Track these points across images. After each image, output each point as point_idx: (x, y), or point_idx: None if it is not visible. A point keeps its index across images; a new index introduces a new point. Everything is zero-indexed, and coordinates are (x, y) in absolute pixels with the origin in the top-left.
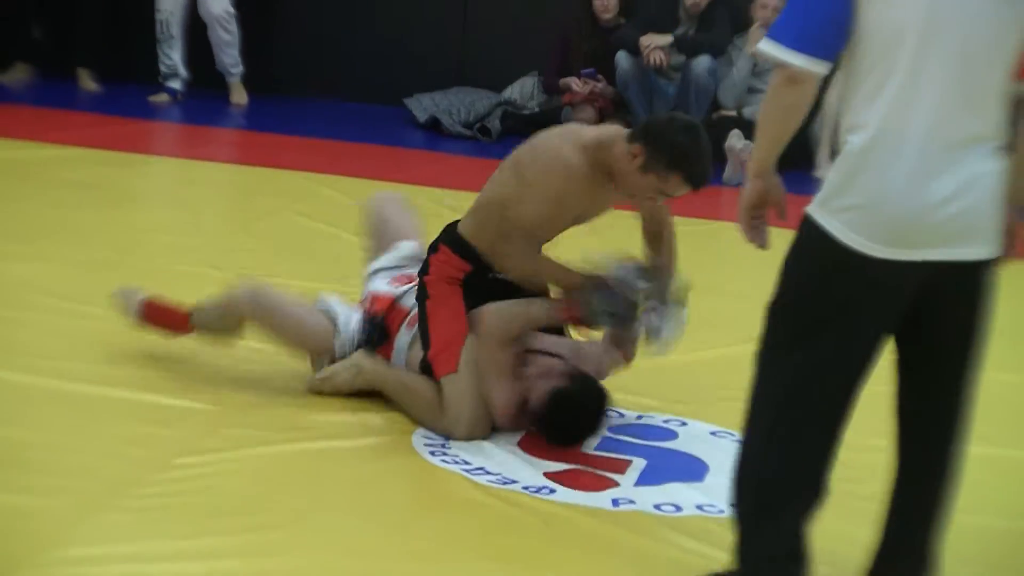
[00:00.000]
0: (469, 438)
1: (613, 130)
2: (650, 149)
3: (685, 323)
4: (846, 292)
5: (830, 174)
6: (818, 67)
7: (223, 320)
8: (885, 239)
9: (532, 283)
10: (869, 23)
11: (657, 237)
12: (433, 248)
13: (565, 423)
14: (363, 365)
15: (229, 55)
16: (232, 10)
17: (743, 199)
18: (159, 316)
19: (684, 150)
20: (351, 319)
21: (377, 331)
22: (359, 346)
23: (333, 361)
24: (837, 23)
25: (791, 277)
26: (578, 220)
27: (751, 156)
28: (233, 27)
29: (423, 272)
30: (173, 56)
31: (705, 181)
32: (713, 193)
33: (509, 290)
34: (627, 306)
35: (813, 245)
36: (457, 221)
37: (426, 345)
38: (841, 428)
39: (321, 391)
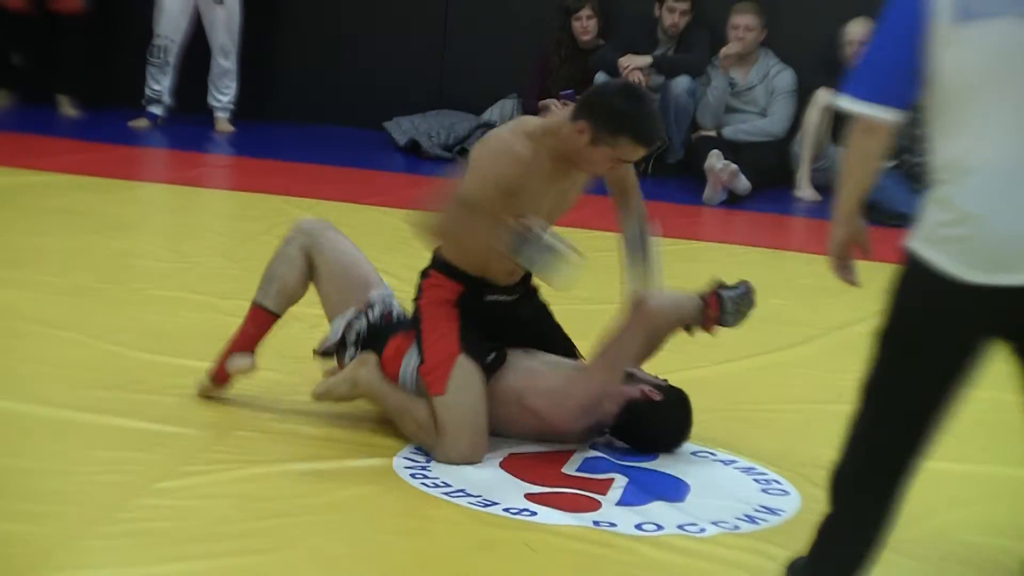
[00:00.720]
0: (463, 462)
1: (558, 115)
2: (593, 121)
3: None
4: (945, 318)
5: (928, 210)
6: (890, 115)
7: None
8: (985, 266)
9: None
10: (945, 63)
11: (625, 201)
12: (424, 274)
13: (673, 427)
14: (359, 378)
15: (225, 85)
16: (236, 40)
17: (831, 244)
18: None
19: (625, 112)
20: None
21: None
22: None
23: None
24: (908, 70)
25: (896, 307)
26: (553, 212)
27: (835, 202)
28: (233, 58)
29: (416, 298)
30: (162, 83)
31: (655, 137)
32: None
33: (504, 312)
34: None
35: (916, 276)
36: (440, 246)
37: (420, 360)
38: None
39: (322, 400)
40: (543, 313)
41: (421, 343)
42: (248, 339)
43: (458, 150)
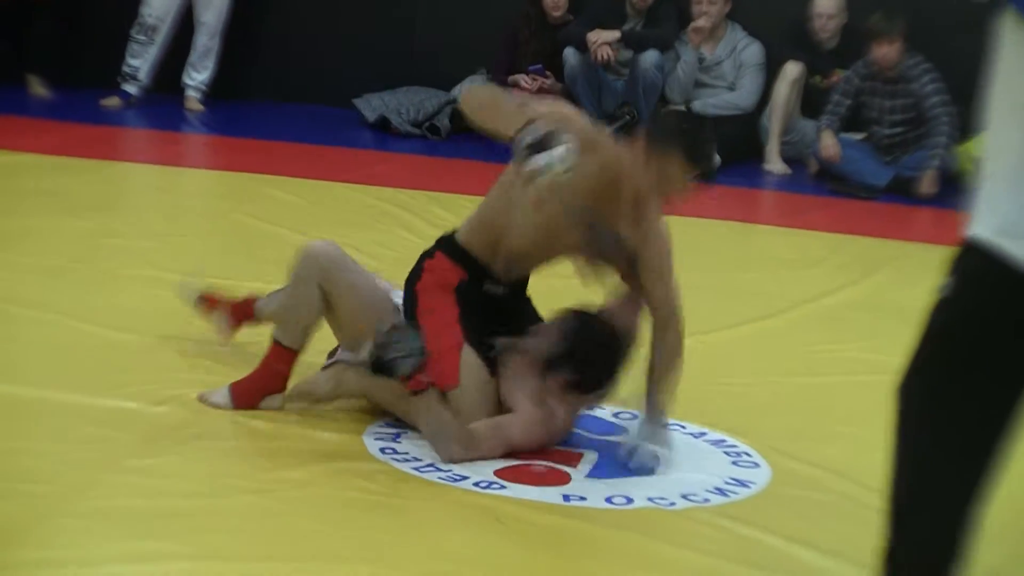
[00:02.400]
0: (478, 458)
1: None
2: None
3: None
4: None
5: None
6: None
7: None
8: None
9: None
10: None
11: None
12: (428, 254)
13: (597, 351)
14: (345, 379)
15: (204, 65)
16: (222, 20)
17: None
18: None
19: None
20: None
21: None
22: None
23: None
24: None
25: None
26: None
27: None
28: (217, 39)
29: (414, 279)
30: (140, 60)
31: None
32: None
33: (495, 304)
34: None
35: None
36: (455, 231)
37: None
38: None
39: (299, 401)
40: (529, 307)
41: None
42: (278, 378)
43: (427, 126)
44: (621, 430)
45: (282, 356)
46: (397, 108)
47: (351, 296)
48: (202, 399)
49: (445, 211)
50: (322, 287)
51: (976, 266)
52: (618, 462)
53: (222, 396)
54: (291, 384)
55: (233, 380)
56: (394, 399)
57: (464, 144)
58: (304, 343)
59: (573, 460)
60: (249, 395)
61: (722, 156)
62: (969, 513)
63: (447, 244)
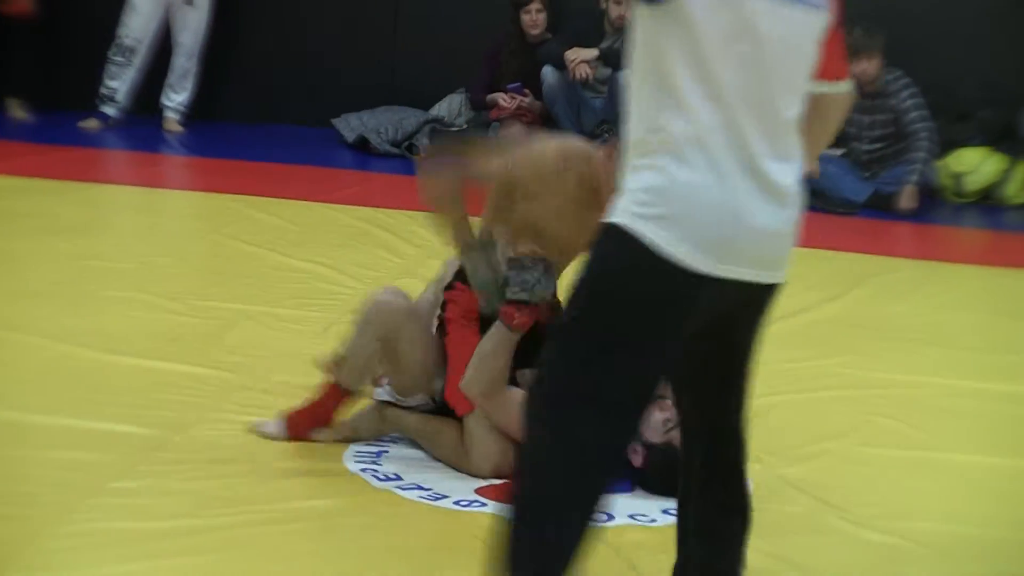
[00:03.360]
0: (495, 476)
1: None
2: None
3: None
4: None
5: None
6: None
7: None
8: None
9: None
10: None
11: None
12: (449, 286)
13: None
14: (384, 412)
15: (183, 86)
16: (200, 42)
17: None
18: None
19: None
20: None
21: None
22: None
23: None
24: None
25: None
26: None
27: None
28: (195, 60)
29: (441, 312)
30: (118, 82)
31: None
32: None
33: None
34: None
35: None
36: None
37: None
38: None
39: (349, 438)
40: (540, 328)
41: (444, 362)
42: (328, 413)
43: (406, 146)
44: None
45: (335, 395)
46: (376, 128)
47: (410, 349)
48: (255, 428)
49: (425, 230)
50: (383, 339)
51: (610, 247)
52: None
53: (276, 427)
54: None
55: (217, 405)
56: (434, 437)
57: None
58: (359, 387)
59: None
60: (301, 427)
61: None
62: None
63: (462, 273)
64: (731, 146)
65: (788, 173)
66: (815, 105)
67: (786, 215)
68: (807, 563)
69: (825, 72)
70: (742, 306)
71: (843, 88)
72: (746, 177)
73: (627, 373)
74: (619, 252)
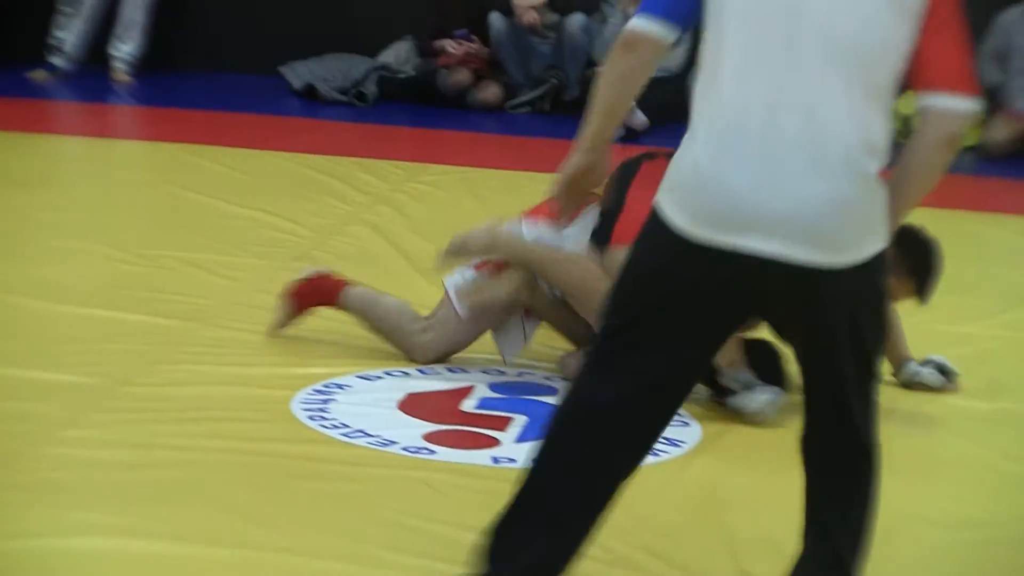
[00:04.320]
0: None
1: None
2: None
3: None
4: None
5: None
6: (655, 27)
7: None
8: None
9: None
10: None
11: None
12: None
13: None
14: (499, 237)
15: (130, 36)
16: None
17: (563, 168)
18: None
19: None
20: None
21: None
22: None
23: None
24: None
25: None
26: None
27: (582, 129)
28: (142, 11)
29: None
30: (66, 32)
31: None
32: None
33: None
34: None
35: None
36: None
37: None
38: None
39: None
40: None
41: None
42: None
43: (354, 93)
44: (551, 391)
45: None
46: (323, 75)
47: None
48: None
49: (373, 177)
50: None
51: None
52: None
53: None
54: None
55: (165, 354)
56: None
57: (390, 110)
58: None
59: (502, 424)
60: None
61: (650, 117)
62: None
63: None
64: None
65: (822, 145)
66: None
67: (817, 188)
68: (767, 502)
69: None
70: (787, 288)
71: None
72: (752, 148)
73: (629, 339)
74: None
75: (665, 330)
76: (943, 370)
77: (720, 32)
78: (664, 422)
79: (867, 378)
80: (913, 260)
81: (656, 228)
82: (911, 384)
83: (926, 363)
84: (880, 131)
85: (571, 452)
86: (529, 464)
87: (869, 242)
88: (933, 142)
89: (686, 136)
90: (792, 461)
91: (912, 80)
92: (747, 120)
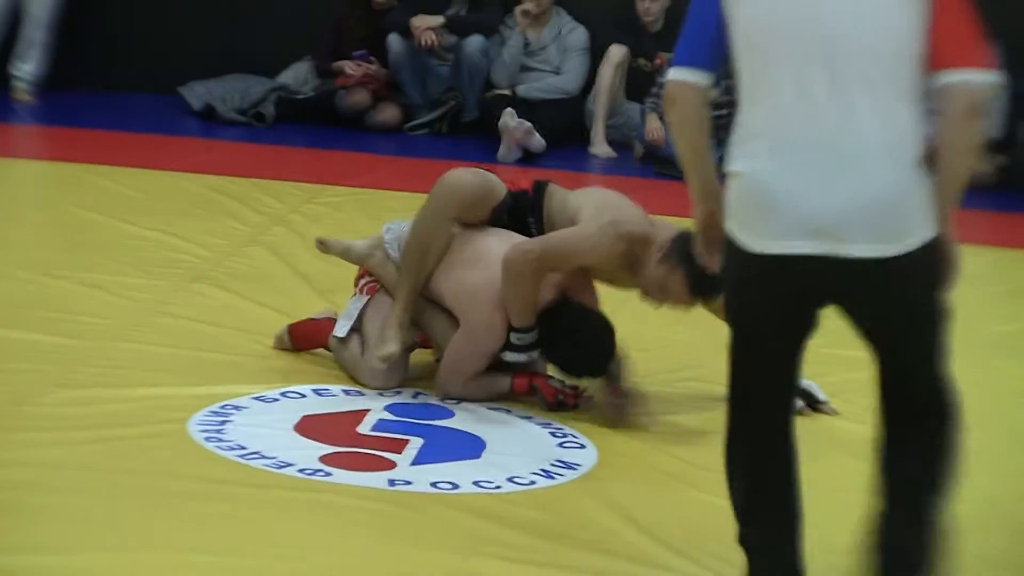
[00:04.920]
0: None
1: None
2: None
3: None
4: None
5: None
6: (686, 77)
7: None
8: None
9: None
10: (739, 20)
11: None
12: None
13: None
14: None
15: (31, 56)
16: (50, 12)
17: (696, 225)
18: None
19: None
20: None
21: None
22: None
23: None
24: (708, 29)
25: None
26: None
27: (688, 186)
28: (44, 31)
29: None
30: None
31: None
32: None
33: None
34: None
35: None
36: None
37: None
38: None
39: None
40: None
41: None
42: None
43: (253, 114)
44: (447, 414)
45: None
46: (222, 96)
47: None
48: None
49: (271, 198)
50: None
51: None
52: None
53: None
54: None
55: (63, 374)
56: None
57: (288, 131)
58: None
59: (398, 447)
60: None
61: (547, 140)
62: (790, 494)
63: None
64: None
65: (865, 149)
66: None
67: (869, 187)
68: (661, 529)
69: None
70: (851, 280)
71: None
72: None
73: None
74: None
75: (762, 335)
76: (809, 397)
77: (759, 64)
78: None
79: (933, 343)
80: (687, 252)
81: (733, 251)
82: None
83: None
84: (912, 124)
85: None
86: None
87: (919, 230)
88: (957, 114)
89: (735, 164)
90: (682, 477)
91: (928, 64)
92: (800, 136)
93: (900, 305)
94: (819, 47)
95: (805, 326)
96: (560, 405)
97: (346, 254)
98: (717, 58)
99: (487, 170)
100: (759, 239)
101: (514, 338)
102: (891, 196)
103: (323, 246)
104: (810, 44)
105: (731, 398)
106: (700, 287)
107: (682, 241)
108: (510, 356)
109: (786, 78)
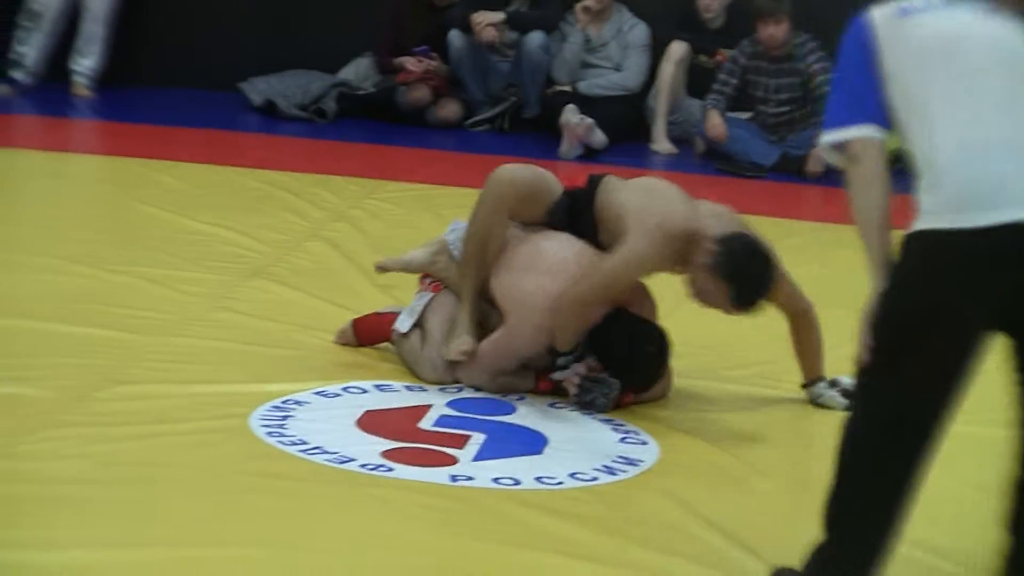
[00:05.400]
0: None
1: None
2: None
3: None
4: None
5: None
6: (874, 132)
7: None
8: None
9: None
10: (889, 61)
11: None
12: None
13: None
14: (440, 258)
15: (91, 51)
16: (109, 6)
17: (873, 296)
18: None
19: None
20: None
21: None
22: None
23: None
24: (867, 81)
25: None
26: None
27: (868, 253)
28: (103, 25)
29: None
30: (27, 47)
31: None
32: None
33: None
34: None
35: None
36: None
37: None
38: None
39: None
40: None
41: None
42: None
43: (313, 109)
44: (509, 409)
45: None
46: (283, 91)
47: None
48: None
49: (331, 194)
50: None
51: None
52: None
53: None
54: None
55: (122, 369)
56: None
57: (349, 127)
58: None
59: (460, 442)
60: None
61: (609, 136)
62: (896, 512)
63: None
64: None
65: None
66: None
67: None
68: (727, 525)
69: None
70: None
71: None
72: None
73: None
74: None
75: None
76: (849, 393)
77: (934, 96)
78: None
79: None
80: (731, 265)
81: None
82: (816, 404)
83: (833, 384)
84: None
85: None
86: None
87: None
88: None
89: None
90: (744, 477)
91: None
92: (986, 140)
93: None
94: (997, 71)
95: (984, 337)
96: (588, 405)
97: (407, 269)
98: (882, 108)
99: (546, 168)
100: (983, 212)
101: (561, 361)
102: None
103: (382, 268)
104: (995, 66)
105: (866, 430)
106: (743, 302)
107: (728, 253)
108: (557, 375)
109: (980, 101)
